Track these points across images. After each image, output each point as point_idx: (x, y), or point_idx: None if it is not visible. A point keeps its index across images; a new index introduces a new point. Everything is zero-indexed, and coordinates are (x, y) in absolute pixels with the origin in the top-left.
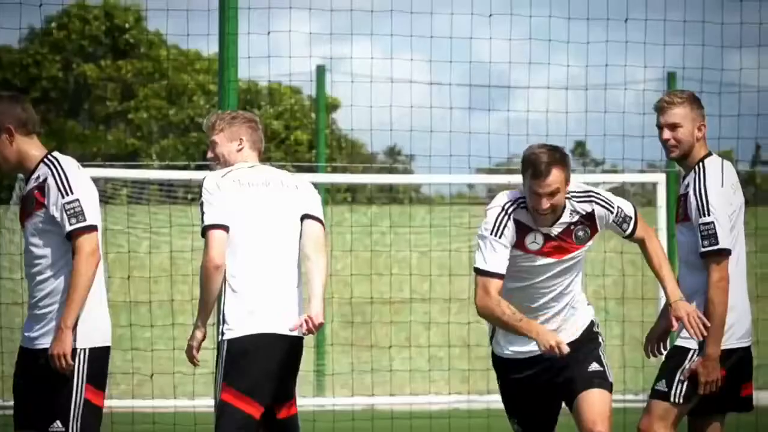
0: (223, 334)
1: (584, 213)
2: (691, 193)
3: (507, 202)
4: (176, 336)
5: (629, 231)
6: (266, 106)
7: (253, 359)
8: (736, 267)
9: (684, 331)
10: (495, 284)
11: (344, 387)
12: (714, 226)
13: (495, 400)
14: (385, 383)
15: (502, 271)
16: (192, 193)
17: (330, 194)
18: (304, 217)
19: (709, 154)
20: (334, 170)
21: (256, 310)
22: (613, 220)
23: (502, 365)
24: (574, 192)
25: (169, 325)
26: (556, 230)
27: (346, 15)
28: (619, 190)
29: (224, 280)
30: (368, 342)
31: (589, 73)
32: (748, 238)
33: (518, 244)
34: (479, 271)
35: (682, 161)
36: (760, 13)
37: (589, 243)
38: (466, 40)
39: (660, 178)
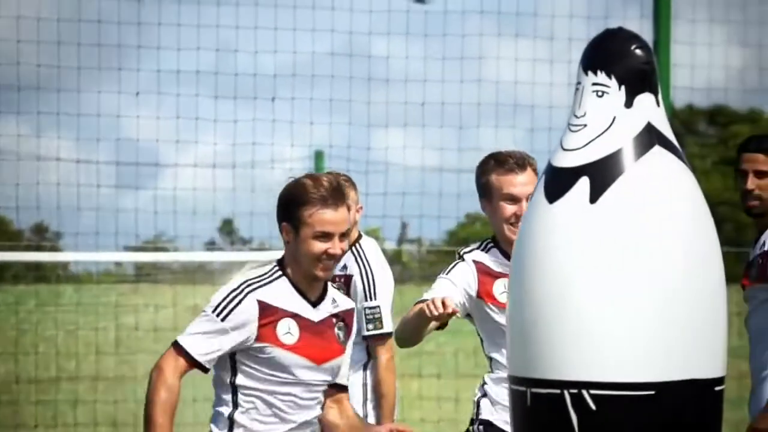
0: None
1: None
2: (356, 277)
3: (467, 248)
4: None
5: None
6: None
7: None
8: None
9: None
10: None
11: None
12: (379, 310)
13: None
14: None
15: (440, 294)
16: None
17: None
18: None
19: (360, 235)
20: None
21: None
22: None
23: None
24: None
25: None
26: None
27: None
28: None
29: None
30: (14, 422)
31: (236, 151)
32: (394, 317)
33: (484, 292)
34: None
35: None
36: (406, 92)
37: None
38: (113, 118)
39: None
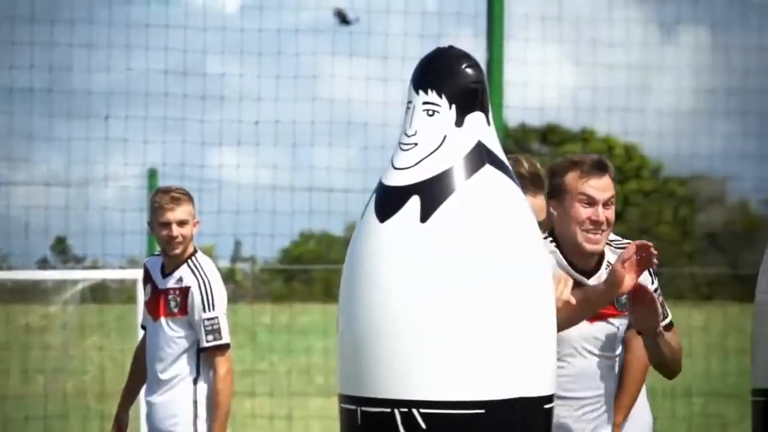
0: None
1: None
2: (194, 288)
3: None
4: None
5: None
6: None
7: None
8: None
9: None
10: None
11: None
12: (218, 321)
13: None
14: None
15: None
16: None
17: None
18: None
19: (196, 249)
20: None
21: None
22: None
23: None
24: None
25: None
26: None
27: None
28: (101, 287)
29: None
30: None
31: (70, 169)
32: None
33: None
34: None
35: (175, 257)
36: (240, 111)
37: None
38: None
39: (139, 275)
